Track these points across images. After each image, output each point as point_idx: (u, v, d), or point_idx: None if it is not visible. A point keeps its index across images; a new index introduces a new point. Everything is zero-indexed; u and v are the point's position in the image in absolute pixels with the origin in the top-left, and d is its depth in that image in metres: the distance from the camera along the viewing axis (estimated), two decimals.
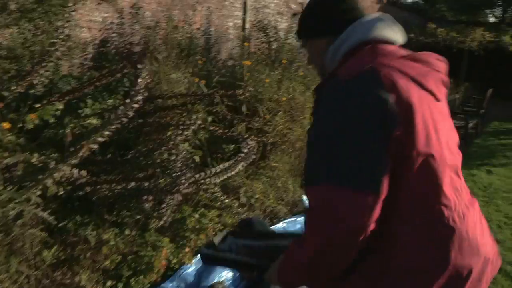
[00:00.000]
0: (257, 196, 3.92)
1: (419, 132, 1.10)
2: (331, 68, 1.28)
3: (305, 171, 1.20)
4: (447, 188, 1.14)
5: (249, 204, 3.86)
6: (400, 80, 1.12)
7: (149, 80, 2.98)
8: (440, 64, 1.29)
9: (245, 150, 3.30)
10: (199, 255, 1.59)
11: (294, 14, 8.06)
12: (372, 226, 1.06)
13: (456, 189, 1.17)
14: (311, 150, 1.18)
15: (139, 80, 2.84)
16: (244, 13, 7.11)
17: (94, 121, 3.41)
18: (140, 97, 2.88)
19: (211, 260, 1.58)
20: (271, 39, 6.75)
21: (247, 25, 7.18)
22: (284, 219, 4.06)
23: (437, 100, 1.22)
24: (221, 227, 3.50)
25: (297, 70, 5.57)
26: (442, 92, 1.25)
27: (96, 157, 3.27)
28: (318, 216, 1.09)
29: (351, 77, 1.14)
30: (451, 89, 8.95)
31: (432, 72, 1.24)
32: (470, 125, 7.56)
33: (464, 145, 6.87)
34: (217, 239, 1.58)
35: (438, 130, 1.16)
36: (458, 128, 6.10)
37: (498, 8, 14.95)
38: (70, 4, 3.75)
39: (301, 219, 4.12)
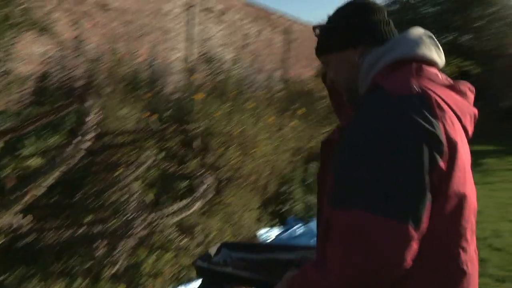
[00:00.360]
0: (214, 233, 3.78)
1: (459, 169, 1.02)
2: (367, 80, 1.16)
3: (334, 189, 1.04)
4: (468, 231, 1.07)
5: (206, 242, 3.71)
6: (447, 111, 1.04)
7: (99, 117, 2.81)
8: (472, 96, 1.20)
9: (203, 187, 3.17)
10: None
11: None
12: (409, 262, 0.95)
13: (473, 232, 1.10)
14: (346, 167, 1.02)
15: (89, 117, 2.67)
16: (189, 45, 7.06)
17: (37, 160, 3.17)
18: (90, 136, 2.71)
19: (207, 273, 1.44)
20: (217, 71, 6.73)
21: (192, 57, 7.12)
22: None
23: (468, 136, 1.15)
24: (179, 269, 3.32)
25: (245, 102, 5.53)
26: (471, 129, 1.18)
27: (40, 201, 3.02)
28: (351, 246, 0.95)
29: (401, 94, 1.03)
30: None
31: (468, 106, 1.16)
32: None
33: None
34: (213, 251, 1.46)
35: (468, 170, 1.08)
36: None
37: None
38: (7, 38, 3.52)
39: None
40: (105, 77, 4.63)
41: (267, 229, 4.50)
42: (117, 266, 2.84)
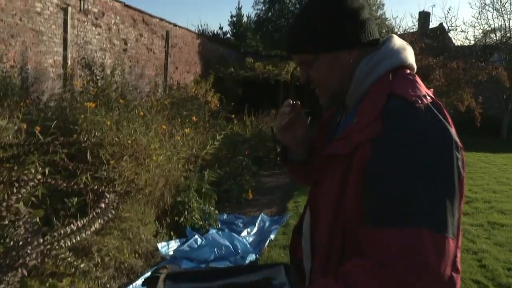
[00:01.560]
0: (112, 252, 3.48)
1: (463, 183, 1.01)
2: (362, 85, 1.10)
3: (377, 206, 0.95)
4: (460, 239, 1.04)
5: (103, 263, 3.41)
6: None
7: None
8: None
9: (102, 205, 2.89)
10: None
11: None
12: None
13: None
14: (395, 182, 0.94)
15: None
16: (65, 49, 6.50)
17: None
18: None
19: None
20: (98, 77, 6.30)
21: (69, 62, 6.57)
22: (142, 274, 3.69)
23: None
24: None
25: (133, 109, 5.24)
26: None
27: None
28: (399, 265, 0.87)
29: (423, 103, 0.99)
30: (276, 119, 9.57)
31: None
32: None
33: None
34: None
35: None
36: None
37: None
38: None
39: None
40: None
41: (165, 243, 4.29)
42: None
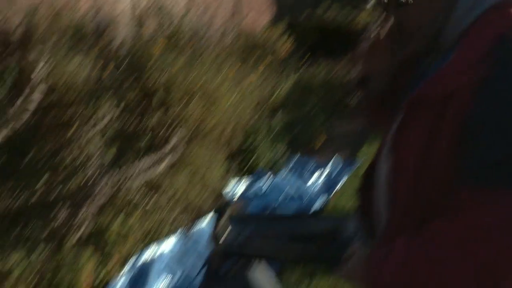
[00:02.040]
0: (180, 191, 3.57)
1: None
2: (461, 24, 0.92)
3: (470, 164, 0.82)
4: None
5: (172, 201, 3.51)
6: None
7: (47, 72, 2.47)
8: None
9: (172, 143, 2.94)
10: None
11: None
12: None
13: None
14: (489, 138, 0.81)
15: (36, 71, 2.33)
16: None
17: None
18: (37, 94, 2.39)
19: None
20: (168, 23, 6.33)
21: (139, 9, 6.65)
22: (208, 213, 3.76)
23: None
24: (147, 229, 3.11)
25: (202, 54, 5.23)
26: None
27: None
28: (495, 234, 0.75)
29: None
30: (348, 67, 9.21)
31: None
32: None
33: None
34: (222, 230, 1.18)
35: None
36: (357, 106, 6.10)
37: None
38: None
39: None
40: (46, 29, 4.18)
41: (232, 185, 4.33)
42: (81, 231, 2.60)
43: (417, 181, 0.92)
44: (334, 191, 4.42)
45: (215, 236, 1.16)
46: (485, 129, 0.81)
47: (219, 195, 4.19)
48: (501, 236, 0.75)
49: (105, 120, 3.04)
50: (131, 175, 3.03)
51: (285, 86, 5.64)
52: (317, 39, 11.88)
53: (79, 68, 3.57)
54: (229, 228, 1.18)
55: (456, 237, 0.80)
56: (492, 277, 0.75)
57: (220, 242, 1.14)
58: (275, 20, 11.95)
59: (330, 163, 5.07)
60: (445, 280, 0.80)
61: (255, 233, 1.16)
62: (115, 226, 2.78)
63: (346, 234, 1.09)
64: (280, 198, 4.15)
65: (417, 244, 0.84)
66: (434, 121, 0.88)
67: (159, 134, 3.61)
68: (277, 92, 5.55)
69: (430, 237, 0.83)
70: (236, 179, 4.50)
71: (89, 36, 4.91)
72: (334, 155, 5.39)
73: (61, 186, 2.63)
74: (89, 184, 2.72)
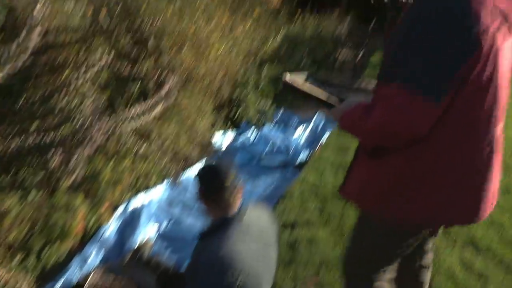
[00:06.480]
0: (170, 139, 3.63)
1: (492, 65, 1.22)
2: None
3: (382, 67, 1.36)
4: (496, 113, 1.31)
5: (162, 148, 3.58)
6: (488, 4, 1.20)
7: (48, 10, 2.44)
8: None
9: (163, 92, 2.96)
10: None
11: None
12: (427, 129, 1.23)
13: (501, 115, 1.35)
14: (394, 49, 1.28)
15: (36, 10, 2.31)
16: None
17: None
18: (37, 32, 2.37)
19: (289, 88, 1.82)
20: None
21: None
22: (197, 162, 3.86)
23: None
24: (137, 176, 3.20)
25: (195, 0, 5.12)
26: None
27: None
28: (388, 110, 1.23)
29: None
30: (338, 20, 9.12)
31: None
32: (359, 56, 7.81)
33: (354, 76, 7.13)
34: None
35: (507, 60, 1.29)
36: (346, 61, 6.08)
37: None
38: None
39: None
40: None
41: (220, 134, 4.41)
42: (74, 176, 2.67)
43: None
44: (319, 145, 4.53)
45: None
46: (395, 36, 1.31)
47: (208, 144, 4.27)
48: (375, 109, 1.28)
49: (98, 66, 3.03)
50: (123, 121, 3.07)
51: (275, 38, 5.60)
52: None
53: (74, 12, 3.50)
54: None
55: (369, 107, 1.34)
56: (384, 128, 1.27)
57: None
58: None
59: (314, 118, 5.17)
60: (366, 129, 1.33)
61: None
62: (106, 172, 2.85)
63: None
64: (267, 149, 4.25)
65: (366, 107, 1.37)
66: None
67: (151, 81, 3.62)
68: (267, 44, 5.52)
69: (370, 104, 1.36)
70: (223, 129, 4.57)
71: None
72: (318, 110, 5.47)
73: (54, 131, 2.66)
74: (82, 130, 2.76)
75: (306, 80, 1.68)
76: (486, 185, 1.40)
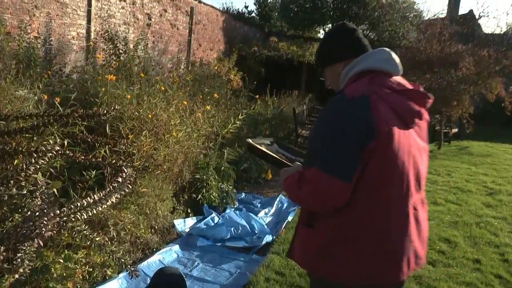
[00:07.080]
0: (128, 227, 3.47)
1: (393, 147, 1.53)
2: (342, 85, 1.70)
3: (307, 155, 1.74)
4: (410, 184, 1.60)
5: (119, 237, 3.40)
6: (383, 109, 1.54)
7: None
8: (423, 100, 1.66)
9: (120, 179, 2.85)
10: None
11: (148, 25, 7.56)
12: (344, 201, 1.53)
13: (419, 187, 1.66)
14: (312, 142, 1.66)
15: None
16: (89, 22, 6.46)
17: None
18: None
19: (251, 149, 2.13)
20: (120, 51, 6.25)
21: (92, 35, 6.53)
22: (158, 250, 3.68)
23: (408, 128, 1.63)
24: (90, 269, 2.99)
25: (155, 84, 5.19)
26: (421, 121, 1.68)
27: None
28: (311, 189, 1.55)
29: (354, 97, 1.55)
30: (298, 101, 9.43)
31: (410, 106, 1.61)
32: None
33: None
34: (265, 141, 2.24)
35: (412, 146, 1.61)
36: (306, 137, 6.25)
37: (328, 25, 16.38)
38: None
39: (176, 247, 3.79)
40: None
41: (181, 219, 4.27)
42: (18, 273, 2.45)
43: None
44: (283, 226, 4.45)
45: None
46: (314, 131, 1.69)
47: (168, 229, 4.11)
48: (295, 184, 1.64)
49: (52, 153, 2.92)
50: (77, 211, 2.91)
51: (236, 119, 5.68)
52: (267, 72, 12.14)
53: (25, 99, 3.44)
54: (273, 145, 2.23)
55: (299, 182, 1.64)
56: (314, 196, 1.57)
57: None
58: (226, 53, 12.11)
59: (277, 200, 5.14)
60: (301, 197, 1.63)
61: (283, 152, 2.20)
62: (57, 267, 2.65)
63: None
64: (231, 232, 4.12)
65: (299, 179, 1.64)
66: None
67: (108, 167, 3.51)
68: (228, 126, 5.57)
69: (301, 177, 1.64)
70: (184, 213, 4.44)
71: (39, 61, 4.77)
72: (281, 192, 5.46)
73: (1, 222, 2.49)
74: (32, 219, 2.58)
75: (272, 144, 2.03)
76: (405, 247, 1.60)
